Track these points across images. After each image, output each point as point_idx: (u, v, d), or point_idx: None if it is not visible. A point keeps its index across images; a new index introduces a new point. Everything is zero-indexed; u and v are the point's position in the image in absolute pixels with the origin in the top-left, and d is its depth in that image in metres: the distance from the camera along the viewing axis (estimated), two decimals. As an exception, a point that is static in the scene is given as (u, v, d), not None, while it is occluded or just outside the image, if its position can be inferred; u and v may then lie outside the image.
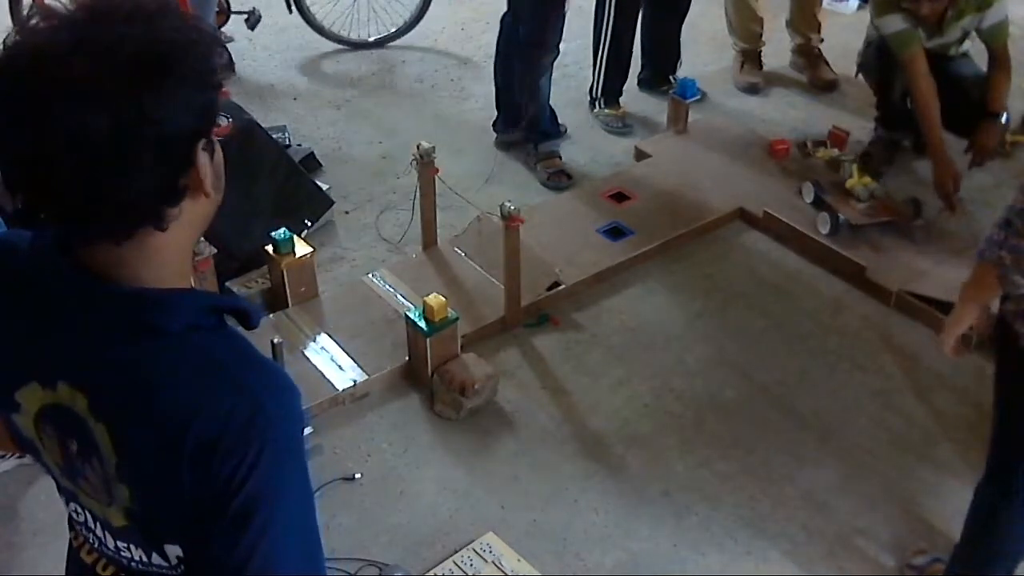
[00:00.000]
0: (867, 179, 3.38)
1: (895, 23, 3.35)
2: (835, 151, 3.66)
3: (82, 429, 1.03)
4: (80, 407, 1.03)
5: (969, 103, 3.43)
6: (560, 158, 3.84)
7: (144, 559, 1.11)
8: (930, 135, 3.40)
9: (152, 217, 1.00)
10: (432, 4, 4.66)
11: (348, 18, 4.72)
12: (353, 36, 4.74)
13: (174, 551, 1.08)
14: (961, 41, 3.49)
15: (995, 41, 3.38)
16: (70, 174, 0.94)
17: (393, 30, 4.72)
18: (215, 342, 1.05)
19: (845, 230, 3.28)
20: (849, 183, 3.38)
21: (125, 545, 1.12)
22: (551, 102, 3.86)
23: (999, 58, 3.40)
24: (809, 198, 3.43)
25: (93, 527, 1.14)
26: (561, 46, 3.69)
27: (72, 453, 1.06)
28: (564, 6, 3.46)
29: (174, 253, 1.06)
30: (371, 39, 4.74)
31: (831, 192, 3.39)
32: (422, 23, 4.69)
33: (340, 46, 4.75)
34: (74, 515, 1.17)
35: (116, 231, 0.99)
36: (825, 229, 3.30)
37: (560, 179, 3.76)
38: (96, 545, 1.16)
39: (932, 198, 3.39)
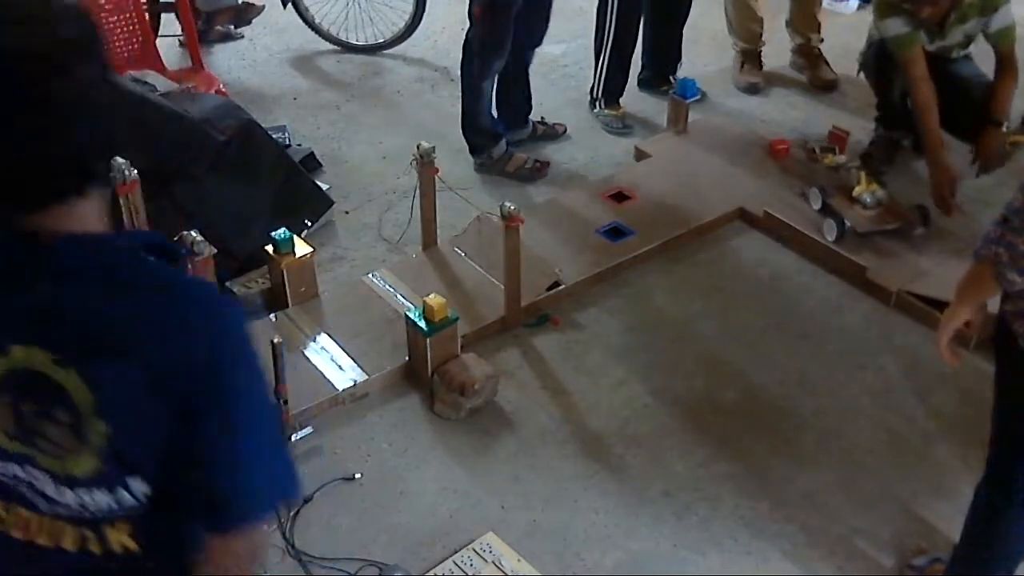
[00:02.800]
0: (874, 186, 3.35)
1: (896, 26, 3.35)
2: (842, 157, 3.64)
3: (43, 385, 1.07)
4: (39, 362, 1.07)
5: (969, 105, 3.42)
6: (519, 152, 3.84)
7: (109, 504, 1.13)
8: (928, 139, 3.40)
9: (78, 182, 1.08)
10: (432, 5, 4.66)
11: (344, 20, 4.72)
12: (349, 39, 4.74)
13: (141, 488, 1.12)
14: (964, 45, 3.49)
15: (1002, 45, 3.37)
16: (20, 137, 1.02)
17: (386, 38, 4.70)
18: (154, 269, 1.14)
19: (851, 237, 3.26)
20: (856, 190, 3.35)
21: (88, 493, 1.13)
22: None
23: (1006, 63, 3.39)
24: (816, 204, 3.40)
25: (43, 489, 1.14)
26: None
27: (27, 414, 1.10)
28: (511, 9, 3.45)
29: (94, 218, 1.12)
30: (365, 43, 4.74)
31: (837, 198, 3.37)
32: (423, 23, 4.69)
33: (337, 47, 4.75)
34: (10, 483, 1.16)
35: (52, 195, 1.07)
36: (832, 236, 3.27)
37: (535, 172, 3.79)
38: (42, 508, 1.16)
39: (932, 201, 3.40)
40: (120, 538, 1.17)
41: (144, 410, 1.08)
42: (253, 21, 4.90)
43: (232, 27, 4.82)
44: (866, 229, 3.28)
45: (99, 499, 1.13)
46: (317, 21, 4.71)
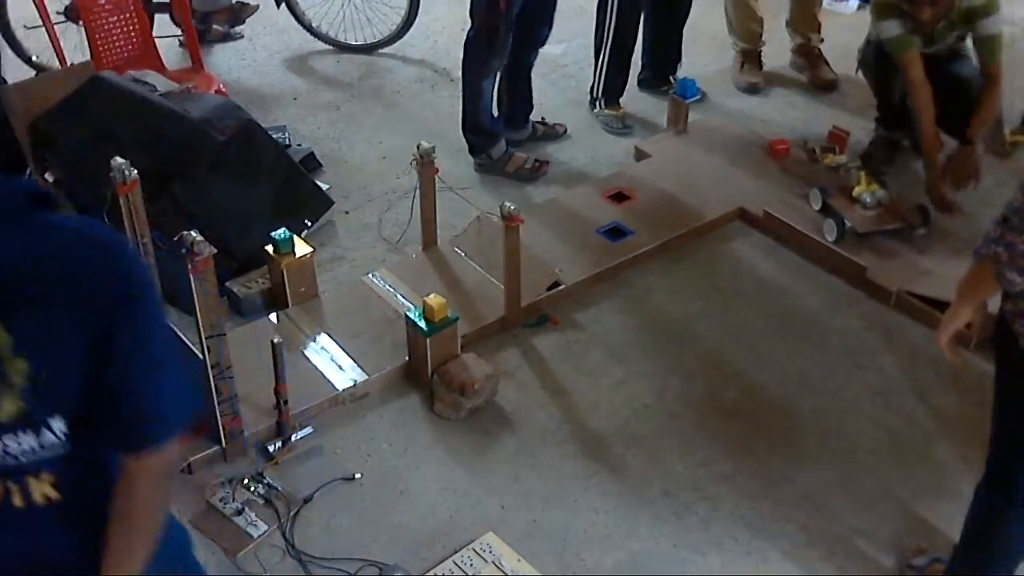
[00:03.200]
0: (874, 186, 3.35)
1: (892, 28, 3.35)
2: (843, 158, 3.64)
3: None
4: None
5: (967, 105, 3.41)
6: (519, 152, 3.84)
7: (32, 447, 1.19)
8: (925, 139, 3.41)
9: None
10: (432, 5, 4.66)
11: (339, 20, 4.72)
12: (341, 38, 4.74)
13: (60, 427, 1.19)
14: (958, 48, 3.47)
15: (986, 55, 3.34)
16: None
17: (381, 37, 4.70)
18: (48, 216, 1.16)
19: (851, 237, 3.26)
20: (856, 190, 3.35)
21: (13, 438, 1.17)
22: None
23: (988, 81, 3.34)
24: (817, 205, 3.40)
25: None
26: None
27: None
28: (501, 9, 3.45)
29: None
30: (361, 43, 4.74)
31: (838, 198, 3.37)
32: (423, 23, 4.69)
33: (328, 47, 4.76)
34: None
35: None
36: (832, 236, 3.27)
37: (535, 172, 3.79)
38: None
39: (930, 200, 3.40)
40: (42, 487, 1.24)
41: (59, 345, 1.14)
42: (253, 21, 4.90)
43: (228, 27, 4.82)
44: (866, 229, 3.28)
45: (24, 443, 1.18)
46: (312, 21, 4.72)
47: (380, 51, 4.72)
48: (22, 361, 1.13)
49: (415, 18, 4.55)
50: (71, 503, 1.27)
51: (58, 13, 4.20)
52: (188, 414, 1.30)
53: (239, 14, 4.81)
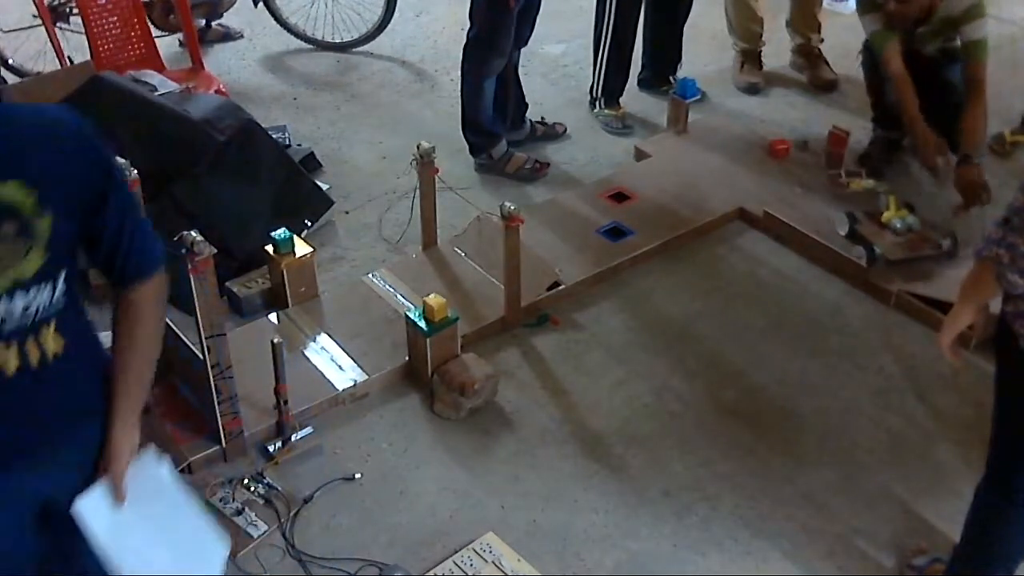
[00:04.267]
0: (903, 211, 3.26)
1: (870, 23, 3.42)
2: (870, 182, 3.54)
3: None
4: None
5: (953, 109, 3.39)
6: (520, 152, 3.84)
7: (48, 300, 1.42)
8: (906, 109, 3.39)
9: None
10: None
11: (315, 18, 4.73)
12: (318, 36, 4.75)
13: (62, 280, 1.43)
14: (946, 53, 3.46)
15: (969, 61, 3.32)
16: None
17: (356, 36, 4.71)
18: (21, 105, 1.39)
19: (881, 264, 3.16)
20: (885, 216, 3.25)
21: (36, 291, 1.40)
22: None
23: (972, 88, 3.30)
24: (843, 231, 3.27)
25: None
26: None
27: None
28: (511, 7, 3.45)
29: None
30: (336, 41, 4.74)
31: (866, 225, 3.25)
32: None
33: (307, 44, 4.77)
34: None
35: None
36: (862, 263, 3.18)
37: (535, 172, 3.79)
38: None
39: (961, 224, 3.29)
40: (50, 341, 1.45)
41: (70, 202, 1.39)
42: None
43: (205, 20, 4.80)
44: (897, 257, 3.16)
45: (42, 296, 1.41)
46: (288, 19, 4.74)
47: (381, 51, 4.72)
48: (46, 214, 1.36)
49: (392, 16, 4.56)
50: (71, 356, 1.49)
51: (33, 16, 4.21)
52: (163, 251, 1.59)
53: (217, 8, 4.79)
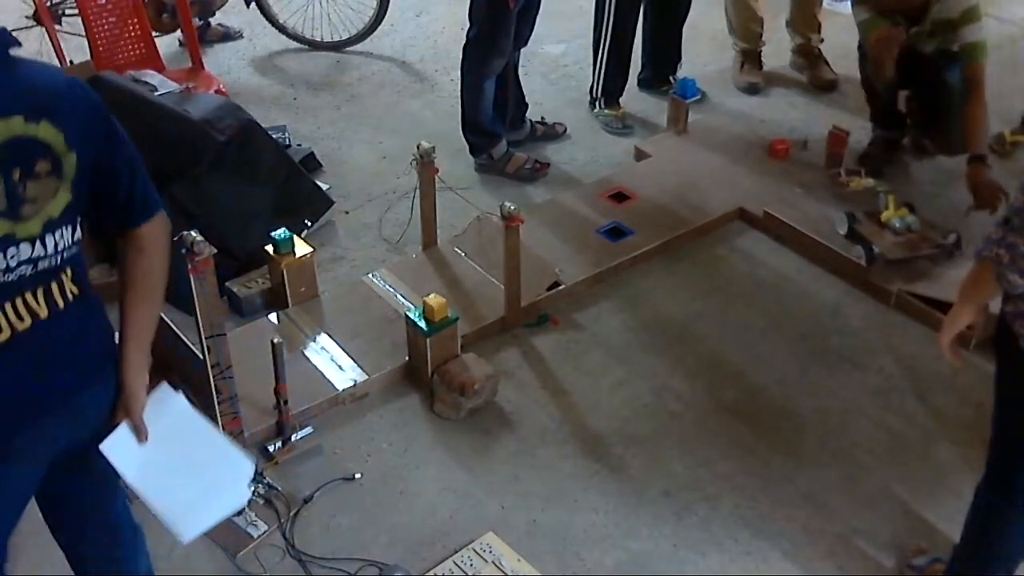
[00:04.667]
0: (903, 211, 3.26)
1: (860, 14, 3.44)
2: (869, 181, 3.54)
3: (24, 145, 1.40)
4: (17, 127, 1.39)
5: (947, 109, 3.39)
6: (520, 152, 3.84)
7: (70, 240, 1.51)
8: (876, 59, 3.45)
9: None
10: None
11: (311, 18, 4.73)
12: (308, 35, 4.75)
13: (77, 223, 1.52)
14: (945, 52, 3.46)
15: (969, 60, 3.31)
16: None
17: (348, 35, 4.71)
18: (25, 60, 1.45)
19: (880, 263, 3.16)
20: (885, 215, 3.25)
21: (62, 231, 1.49)
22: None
23: (971, 89, 3.30)
24: (843, 230, 3.28)
25: (17, 252, 1.44)
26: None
27: (14, 180, 1.40)
28: (510, 7, 3.45)
29: None
30: (329, 40, 4.75)
31: (866, 224, 3.25)
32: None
33: (299, 44, 4.78)
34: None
35: None
36: (861, 263, 3.19)
37: (535, 172, 3.79)
38: (13, 268, 1.44)
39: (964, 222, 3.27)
40: (70, 284, 1.54)
41: (87, 145, 1.49)
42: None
43: (197, 19, 4.79)
44: (897, 256, 3.16)
45: (66, 235, 1.50)
46: (281, 19, 4.75)
47: (381, 51, 4.73)
48: (72, 154, 1.46)
49: (385, 14, 4.57)
50: (85, 297, 1.58)
51: (26, 17, 4.21)
52: (160, 194, 1.69)
53: (209, 6, 4.79)
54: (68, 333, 1.55)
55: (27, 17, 4.22)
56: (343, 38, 4.72)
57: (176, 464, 1.67)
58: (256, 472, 2.55)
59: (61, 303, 1.53)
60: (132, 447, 1.63)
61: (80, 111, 1.49)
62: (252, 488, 1.76)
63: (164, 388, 1.69)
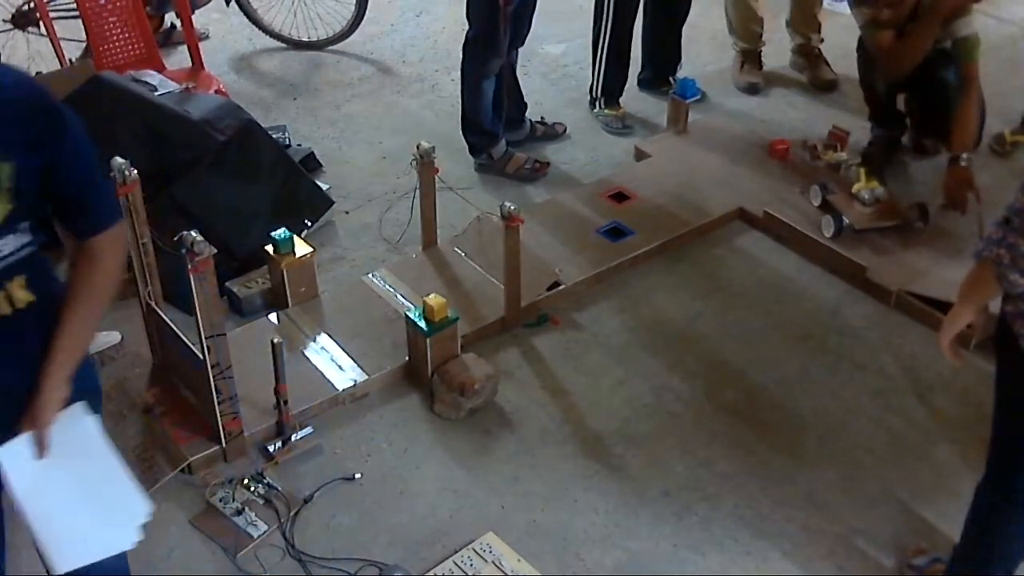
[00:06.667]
0: (874, 183, 3.36)
1: (862, 16, 3.46)
2: (843, 155, 3.65)
3: None
4: None
5: (946, 107, 3.40)
6: (520, 152, 3.85)
7: (13, 247, 1.48)
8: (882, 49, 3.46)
9: None
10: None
11: (292, 14, 4.74)
12: (293, 35, 4.75)
13: (26, 229, 1.49)
14: (940, 52, 3.47)
15: (962, 56, 3.34)
16: None
17: (331, 34, 4.71)
18: None
19: (849, 234, 3.27)
20: (855, 187, 3.37)
21: (3, 242, 1.45)
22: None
23: (965, 84, 3.32)
24: (816, 201, 3.42)
25: None
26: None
27: None
28: (506, 5, 3.45)
29: None
30: (310, 40, 4.75)
31: (837, 196, 3.38)
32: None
33: (281, 44, 4.79)
34: None
35: None
36: (829, 232, 3.29)
37: (535, 172, 3.80)
38: None
39: (936, 199, 3.39)
40: (21, 291, 1.52)
41: (33, 151, 1.43)
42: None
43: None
44: (864, 226, 3.28)
45: (8, 244, 1.47)
46: (258, 15, 4.75)
47: (381, 51, 4.73)
48: (7, 164, 1.41)
49: (365, 11, 4.57)
50: (40, 303, 1.55)
51: (4, 21, 4.21)
52: (118, 203, 1.64)
53: (193, 4, 4.78)
54: (13, 338, 1.53)
55: (4, 21, 4.21)
56: (324, 36, 4.71)
57: (69, 490, 1.56)
58: (256, 472, 2.56)
59: (7, 309, 1.51)
60: (28, 460, 1.53)
61: (21, 116, 1.42)
62: (140, 533, 1.63)
63: (79, 407, 1.59)
